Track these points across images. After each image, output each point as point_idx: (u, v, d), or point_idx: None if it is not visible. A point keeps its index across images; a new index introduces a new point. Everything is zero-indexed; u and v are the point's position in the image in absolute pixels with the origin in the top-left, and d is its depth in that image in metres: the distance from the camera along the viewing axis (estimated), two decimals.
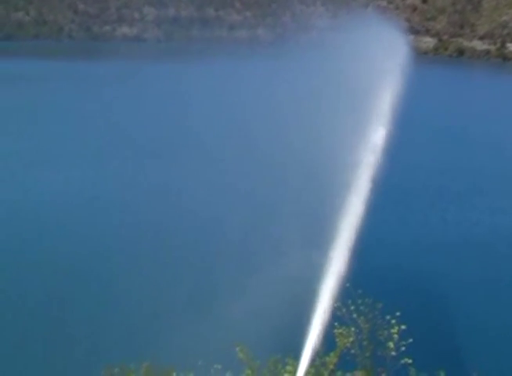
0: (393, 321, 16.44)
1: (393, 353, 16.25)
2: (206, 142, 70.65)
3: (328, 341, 16.13)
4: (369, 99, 16.34)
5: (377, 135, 15.57)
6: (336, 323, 16.36)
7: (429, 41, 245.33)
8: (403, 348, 16.33)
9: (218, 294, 39.19)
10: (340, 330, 16.58)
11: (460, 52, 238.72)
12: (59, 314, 41.33)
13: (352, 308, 16.57)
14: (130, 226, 55.16)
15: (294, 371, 15.00)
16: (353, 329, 16.71)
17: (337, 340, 16.45)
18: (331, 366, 15.97)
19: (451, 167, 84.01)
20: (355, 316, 16.67)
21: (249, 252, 42.83)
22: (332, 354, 15.99)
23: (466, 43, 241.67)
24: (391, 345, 16.25)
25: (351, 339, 16.64)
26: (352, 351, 16.72)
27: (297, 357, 14.98)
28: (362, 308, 16.62)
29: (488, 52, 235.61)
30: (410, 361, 16.37)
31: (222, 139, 66.20)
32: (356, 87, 17.17)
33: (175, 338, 33.74)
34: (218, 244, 46.06)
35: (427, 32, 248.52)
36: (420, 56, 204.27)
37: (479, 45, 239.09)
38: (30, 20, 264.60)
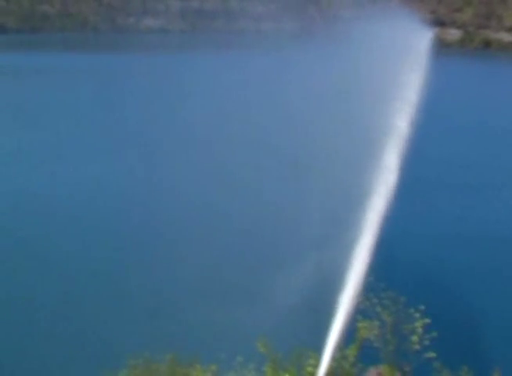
0: (417, 315, 16.37)
1: (416, 347, 16.18)
2: (234, 135, 70.51)
3: (351, 334, 16.11)
4: (392, 92, 16.24)
5: (401, 128, 15.47)
6: (359, 317, 16.33)
7: (455, 33, 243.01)
8: (427, 343, 16.24)
9: (240, 287, 39.26)
10: (363, 324, 16.55)
11: (487, 43, 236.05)
12: (84, 305, 41.64)
13: (375, 301, 16.53)
14: (156, 219, 55.17)
15: (317, 364, 14.99)
16: (376, 322, 16.66)
17: (359, 333, 16.43)
18: (352, 359, 15.96)
19: (475, 160, 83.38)
20: (378, 309, 16.62)
21: (271, 246, 42.80)
22: (352, 346, 15.98)
23: (492, 35, 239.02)
24: (415, 338, 16.17)
25: (374, 332, 16.60)
26: (376, 345, 16.67)
27: (319, 350, 14.97)
28: (385, 301, 16.57)
29: None
30: (434, 355, 16.28)
31: (246, 133, 65.89)
32: (380, 79, 17.06)
33: (199, 330, 33.88)
34: (240, 236, 46.06)
35: (453, 24, 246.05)
36: (445, 47, 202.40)
37: (506, 37, 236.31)
38: (55, 13, 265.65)
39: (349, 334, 15.64)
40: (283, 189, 51.97)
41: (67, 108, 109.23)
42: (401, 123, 15.58)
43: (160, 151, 75.84)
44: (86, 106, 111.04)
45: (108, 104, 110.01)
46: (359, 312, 16.13)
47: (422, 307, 16.36)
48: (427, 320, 16.16)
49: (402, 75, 16.17)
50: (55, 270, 46.90)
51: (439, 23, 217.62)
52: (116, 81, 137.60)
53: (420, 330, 16.13)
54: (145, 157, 75.67)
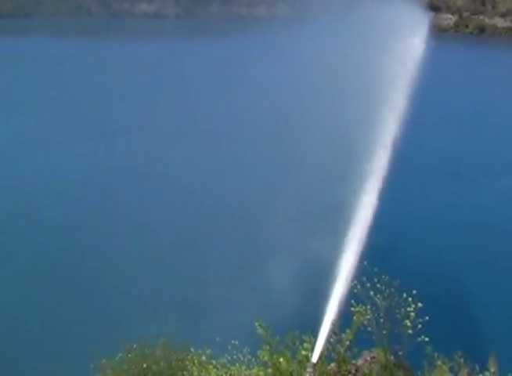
0: (409, 299, 16.47)
1: (410, 331, 16.29)
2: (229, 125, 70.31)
3: (345, 318, 16.21)
4: (387, 77, 16.26)
5: (395, 112, 15.50)
6: (353, 301, 16.42)
7: (449, 18, 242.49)
8: (420, 327, 16.35)
9: (236, 271, 39.40)
10: (357, 308, 16.64)
11: (481, 29, 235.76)
12: (78, 291, 41.79)
13: (369, 286, 16.62)
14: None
15: (312, 348, 15.09)
16: (370, 307, 16.76)
17: (354, 318, 16.53)
18: (347, 343, 16.06)
19: (467, 147, 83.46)
20: (372, 294, 16.72)
21: (266, 231, 42.90)
22: (348, 331, 16.07)
23: (487, 20, 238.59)
24: (408, 323, 16.28)
25: (368, 317, 16.70)
26: (369, 329, 16.78)
27: (314, 334, 15.08)
28: (378, 286, 16.66)
29: (509, 29, 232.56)
30: (427, 339, 16.39)
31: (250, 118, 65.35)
32: (375, 64, 17.08)
33: (193, 314, 34.02)
34: (236, 221, 46.17)
35: (448, 9, 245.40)
36: (440, 32, 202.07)
37: (500, 23, 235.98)
38: None
39: (343, 318, 15.73)
40: (273, 169, 52.00)
41: (61, 93, 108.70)
42: (394, 107, 15.61)
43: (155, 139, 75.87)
44: (77, 91, 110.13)
45: (100, 90, 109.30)
46: (353, 297, 16.21)
47: (414, 292, 16.44)
48: (420, 305, 16.25)
49: (397, 60, 16.17)
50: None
51: (434, 8, 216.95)
52: (109, 67, 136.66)
53: (412, 314, 16.22)
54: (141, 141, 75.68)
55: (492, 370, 16.25)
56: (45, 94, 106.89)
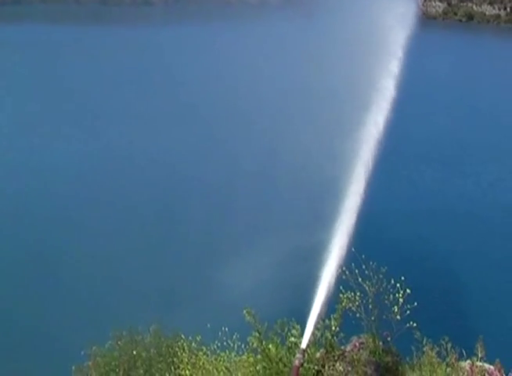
0: (398, 286, 16.60)
1: (398, 317, 16.44)
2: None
3: (334, 305, 16.34)
4: (373, 64, 16.25)
5: (381, 100, 15.52)
6: (341, 288, 16.55)
7: (438, 6, 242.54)
8: (408, 313, 16.51)
9: (225, 258, 39.49)
10: (345, 295, 16.78)
11: (470, 16, 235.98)
12: (64, 279, 41.82)
13: (357, 272, 16.75)
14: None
15: (300, 334, 15.22)
16: (358, 293, 16.90)
17: (342, 303, 16.67)
18: (334, 329, 16.19)
19: (454, 135, 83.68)
20: (360, 280, 16.85)
21: (254, 218, 43.03)
22: (335, 316, 16.21)
23: (475, 8, 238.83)
24: (396, 309, 16.43)
25: (356, 303, 16.84)
26: (358, 315, 16.94)
27: (303, 320, 15.19)
28: (367, 272, 16.80)
29: (497, 16, 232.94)
30: (415, 325, 16.56)
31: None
32: (362, 51, 17.07)
33: (183, 301, 34.14)
34: (225, 207, 46.26)
35: None
36: (429, 20, 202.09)
37: (489, 10, 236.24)
38: None
39: (332, 305, 15.84)
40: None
41: (50, 80, 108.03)
42: (380, 95, 15.62)
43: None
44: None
45: (89, 77, 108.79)
46: (342, 284, 16.33)
47: (402, 278, 16.59)
48: (408, 291, 16.40)
49: (383, 47, 16.19)
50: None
51: None
52: (99, 54, 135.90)
53: (400, 300, 16.36)
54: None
55: (480, 354, 16.43)
56: (33, 81, 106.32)
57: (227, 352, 17.97)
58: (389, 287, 16.64)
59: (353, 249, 14.95)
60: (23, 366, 34.15)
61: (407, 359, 17.59)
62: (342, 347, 16.81)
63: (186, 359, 18.29)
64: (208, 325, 19.91)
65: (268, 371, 15.99)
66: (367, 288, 16.84)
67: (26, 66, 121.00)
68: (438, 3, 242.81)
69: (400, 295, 16.42)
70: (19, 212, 53.54)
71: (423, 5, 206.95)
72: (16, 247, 46.62)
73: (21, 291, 41.02)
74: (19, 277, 42.59)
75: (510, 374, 15.91)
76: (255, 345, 16.32)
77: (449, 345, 16.95)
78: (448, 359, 16.86)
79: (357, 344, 17.32)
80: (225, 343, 18.04)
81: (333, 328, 16.17)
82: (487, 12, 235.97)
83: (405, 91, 15.87)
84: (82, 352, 19.82)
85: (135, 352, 19.26)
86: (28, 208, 54.48)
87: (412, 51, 16.02)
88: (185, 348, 18.97)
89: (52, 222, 50.94)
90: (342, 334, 16.53)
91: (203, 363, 18.13)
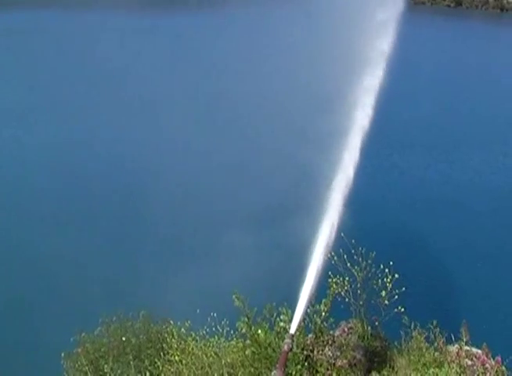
0: (386, 271, 16.70)
1: (386, 302, 16.54)
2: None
3: (322, 290, 16.42)
4: (362, 49, 16.22)
5: (369, 88, 15.53)
6: (330, 273, 16.62)
7: None
8: (396, 298, 16.62)
9: (213, 245, 39.55)
10: (334, 280, 16.87)
11: (458, 2, 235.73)
12: (54, 266, 41.80)
13: (346, 257, 16.83)
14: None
15: (289, 319, 15.28)
16: (347, 279, 16.99)
17: (331, 288, 16.75)
18: (323, 314, 16.28)
19: (441, 120, 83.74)
20: (348, 265, 16.94)
21: (242, 205, 43.04)
22: (324, 301, 16.29)
23: None
24: (384, 294, 16.53)
25: (345, 288, 16.93)
26: (347, 300, 17.03)
27: (292, 305, 15.25)
28: (355, 258, 16.89)
29: (486, 2, 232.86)
30: (403, 310, 16.67)
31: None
32: (350, 36, 17.02)
33: (173, 287, 34.18)
34: (213, 195, 46.27)
35: None
36: (417, 5, 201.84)
37: None
38: None
39: (321, 290, 15.92)
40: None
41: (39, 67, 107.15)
42: (369, 82, 15.61)
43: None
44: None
45: (81, 65, 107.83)
46: (330, 269, 16.41)
47: (391, 263, 16.70)
48: (396, 276, 16.51)
49: (371, 32, 16.16)
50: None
51: None
52: (91, 40, 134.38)
53: (389, 285, 16.47)
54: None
55: (465, 339, 16.55)
56: (20, 68, 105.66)
57: (216, 337, 18.03)
58: (377, 272, 16.75)
59: (342, 234, 15.01)
60: (12, 353, 34.17)
61: (395, 343, 17.71)
62: (331, 332, 16.90)
63: (175, 345, 18.34)
64: (197, 311, 19.95)
65: (256, 356, 16.05)
66: (356, 273, 16.94)
67: (14, 53, 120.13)
68: None
69: (388, 280, 16.53)
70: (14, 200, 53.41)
71: None
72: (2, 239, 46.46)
73: (9, 280, 40.97)
74: (6, 268, 42.52)
75: (496, 357, 16.03)
76: (244, 330, 16.37)
77: (437, 330, 17.08)
78: (436, 344, 16.99)
79: (345, 329, 17.43)
80: (214, 329, 18.09)
81: (323, 313, 16.25)
82: None
83: (390, 76, 15.84)
84: (71, 339, 19.81)
85: (124, 339, 19.26)
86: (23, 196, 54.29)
87: (399, 36, 16.00)
88: (175, 333, 19.02)
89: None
90: (332, 319, 16.63)
91: (193, 349, 18.19)
